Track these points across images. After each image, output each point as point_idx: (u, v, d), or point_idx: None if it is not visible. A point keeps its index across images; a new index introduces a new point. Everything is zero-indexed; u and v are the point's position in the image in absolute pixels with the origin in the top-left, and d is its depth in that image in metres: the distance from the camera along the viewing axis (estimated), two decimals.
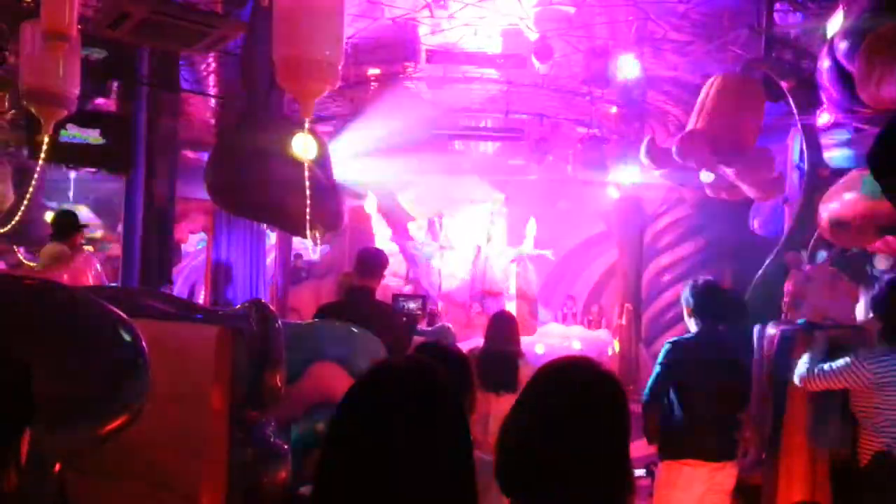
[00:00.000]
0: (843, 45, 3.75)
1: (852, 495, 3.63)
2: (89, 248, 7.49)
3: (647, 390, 4.06)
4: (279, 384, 2.60)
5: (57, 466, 1.73)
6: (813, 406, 3.78)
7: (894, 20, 3.44)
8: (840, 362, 3.51)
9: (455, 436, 1.28)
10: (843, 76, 3.85)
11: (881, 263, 5.43)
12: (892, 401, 3.43)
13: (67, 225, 5.67)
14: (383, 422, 1.24)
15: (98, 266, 5.67)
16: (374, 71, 7.77)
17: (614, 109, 8.67)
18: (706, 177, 5.41)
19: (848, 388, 3.53)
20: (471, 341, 6.81)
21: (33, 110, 4.21)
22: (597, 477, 1.40)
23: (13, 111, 7.38)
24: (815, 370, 3.57)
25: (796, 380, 3.70)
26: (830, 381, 3.54)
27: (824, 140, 5.53)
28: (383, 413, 1.25)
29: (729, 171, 4.89)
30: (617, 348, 9.87)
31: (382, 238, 10.28)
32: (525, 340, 5.44)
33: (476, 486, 1.28)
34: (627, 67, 6.44)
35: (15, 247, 8.42)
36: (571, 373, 1.51)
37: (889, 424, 3.43)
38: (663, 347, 4.18)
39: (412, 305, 7.34)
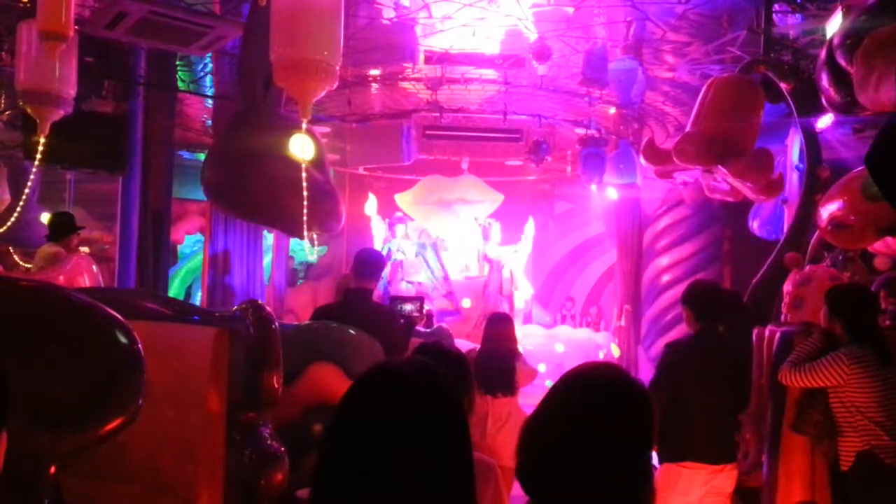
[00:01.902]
0: (841, 46, 3.74)
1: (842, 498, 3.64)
2: (85, 249, 7.46)
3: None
4: (276, 386, 2.58)
5: (53, 468, 1.71)
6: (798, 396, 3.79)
7: (893, 21, 3.43)
8: (820, 359, 3.52)
9: (455, 438, 1.27)
10: (842, 77, 3.84)
11: (881, 264, 5.43)
12: (867, 399, 3.44)
13: (63, 226, 5.65)
14: (382, 424, 1.22)
15: (94, 267, 5.64)
16: (372, 72, 7.76)
17: (613, 110, 8.67)
18: None
19: (827, 385, 3.54)
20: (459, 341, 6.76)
21: (29, 111, 4.19)
22: (619, 484, 1.40)
23: (9, 112, 7.36)
24: (798, 367, 3.59)
25: (779, 376, 3.71)
26: (810, 377, 3.55)
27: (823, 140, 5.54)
28: (382, 415, 1.23)
29: (728, 173, 4.88)
30: (614, 351, 9.76)
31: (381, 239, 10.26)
32: None
33: (475, 489, 1.27)
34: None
35: (11, 248, 8.40)
36: (597, 379, 1.50)
37: (867, 423, 3.44)
38: (663, 349, 4.17)
39: (410, 307, 7.30)
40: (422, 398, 1.26)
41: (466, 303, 9.56)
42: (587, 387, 1.49)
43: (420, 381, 1.29)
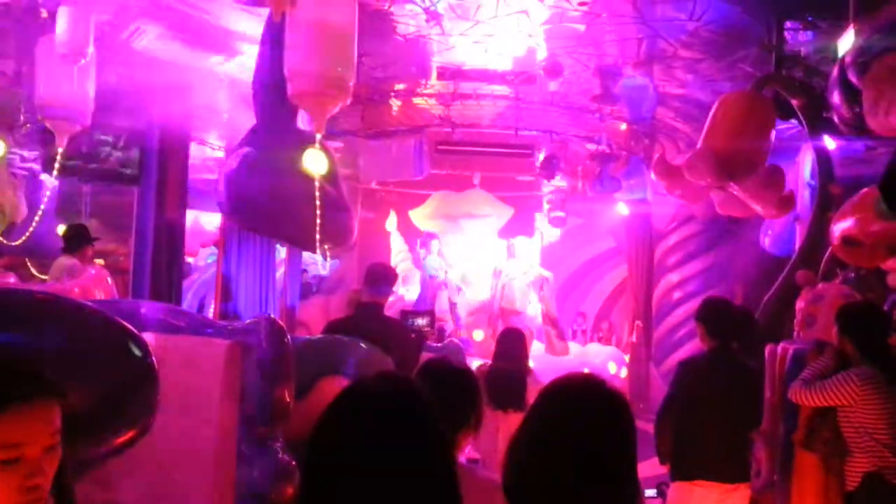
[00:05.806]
0: (853, 65, 3.74)
1: None
2: (100, 261, 7.52)
3: (659, 409, 4.03)
4: (288, 399, 2.59)
5: (66, 478, 1.72)
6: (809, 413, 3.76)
7: None
8: (831, 378, 3.50)
9: (431, 457, 1.26)
10: (853, 95, 3.84)
11: (894, 282, 5.38)
12: (877, 420, 3.41)
13: (79, 238, 5.70)
14: (357, 443, 1.22)
15: (109, 279, 5.69)
16: (388, 88, 7.81)
17: (624, 126, 8.68)
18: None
19: (836, 405, 3.51)
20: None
21: (47, 124, 4.26)
22: (603, 494, 1.40)
23: (28, 125, 7.46)
24: (809, 386, 3.56)
25: (790, 394, 3.68)
26: (821, 396, 3.52)
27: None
28: (356, 434, 1.23)
29: (739, 190, 4.87)
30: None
31: (398, 254, 10.35)
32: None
33: None
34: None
35: (27, 260, 8.46)
36: (575, 391, 1.51)
37: (874, 444, 3.41)
38: (676, 366, 4.15)
39: (421, 322, 7.32)
40: (396, 417, 1.25)
41: (478, 335, 9.44)
42: (559, 398, 1.50)
43: (394, 399, 1.28)
